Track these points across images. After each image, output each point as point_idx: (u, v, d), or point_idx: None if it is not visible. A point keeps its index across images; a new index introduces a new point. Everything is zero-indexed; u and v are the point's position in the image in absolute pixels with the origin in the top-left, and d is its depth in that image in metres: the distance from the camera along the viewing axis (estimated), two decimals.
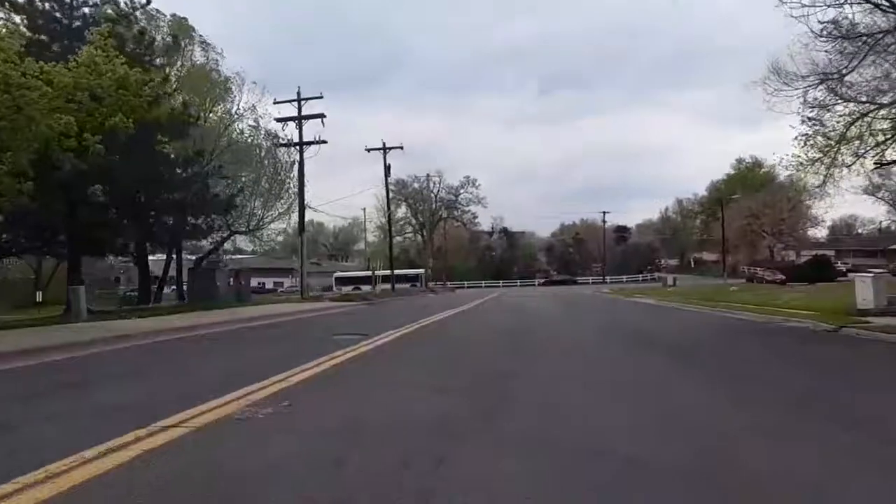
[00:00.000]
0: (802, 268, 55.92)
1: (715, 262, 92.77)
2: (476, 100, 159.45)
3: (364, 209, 35.75)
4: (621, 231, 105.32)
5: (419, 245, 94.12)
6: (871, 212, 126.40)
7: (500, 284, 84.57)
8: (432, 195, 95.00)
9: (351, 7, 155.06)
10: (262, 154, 28.44)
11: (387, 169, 40.79)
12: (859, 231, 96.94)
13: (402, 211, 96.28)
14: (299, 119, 27.73)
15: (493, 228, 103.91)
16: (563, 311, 21.91)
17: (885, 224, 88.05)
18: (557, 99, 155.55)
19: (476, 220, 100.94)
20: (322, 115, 27.50)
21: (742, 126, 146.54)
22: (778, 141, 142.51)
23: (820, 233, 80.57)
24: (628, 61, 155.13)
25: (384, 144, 40.95)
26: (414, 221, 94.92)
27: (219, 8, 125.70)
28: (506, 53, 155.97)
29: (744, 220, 57.70)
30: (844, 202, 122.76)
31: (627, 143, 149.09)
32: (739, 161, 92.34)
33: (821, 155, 17.70)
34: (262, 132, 28.27)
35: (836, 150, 17.37)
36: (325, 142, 28.18)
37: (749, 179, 79.48)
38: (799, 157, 18.40)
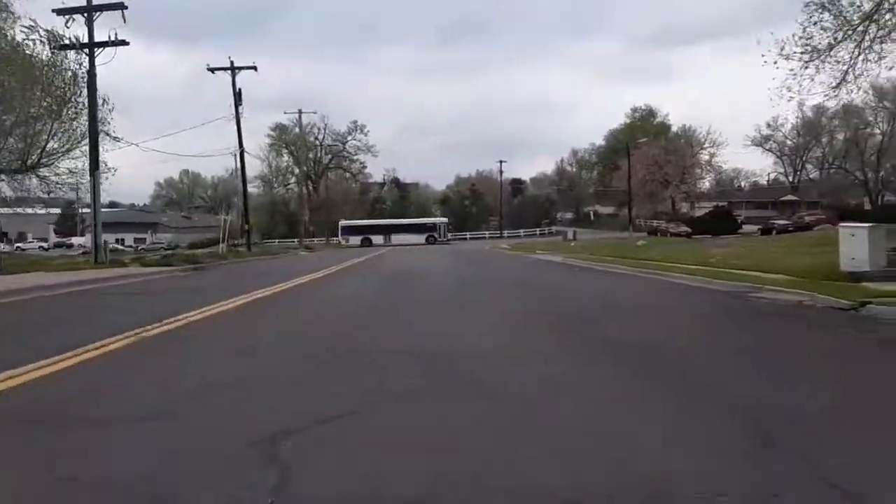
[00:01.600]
0: (704, 220, 53.96)
1: (612, 216, 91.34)
2: (374, 49, 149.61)
3: (237, 153, 28.31)
4: (517, 183, 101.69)
5: (304, 197, 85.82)
6: (756, 164, 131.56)
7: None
8: (316, 142, 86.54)
9: None
10: (43, 62, 20.09)
11: (237, 96, 32.99)
12: (741, 184, 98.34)
13: (284, 160, 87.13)
14: (89, 10, 19.75)
15: (384, 180, 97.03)
16: (465, 281, 16.25)
17: (772, 176, 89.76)
18: (456, 49, 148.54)
19: (366, 171, 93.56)
20: (122, 6, 19.71)
21: (632, 81, 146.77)
22: (669, 93, 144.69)
23: (705, 185, 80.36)
24: (525, 11, 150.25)
25: (232, 63, 33.03)
26: (297, 171, 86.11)
27: None
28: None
29: (646, 168, 54.60)
30: (735, 153, 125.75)
31: (522, 95, 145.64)
32: (634, 110, 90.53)
33: (830, 45, 13.03)
34: (41, 33, 19.96)
35: (862, 27, 12.74)
36: (124, 42, 20.45)
37: (644, 130, 77.48)
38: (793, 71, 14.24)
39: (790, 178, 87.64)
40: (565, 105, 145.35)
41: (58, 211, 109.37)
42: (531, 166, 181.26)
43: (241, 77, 34.22)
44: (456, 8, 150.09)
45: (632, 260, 23.68)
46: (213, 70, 33.17)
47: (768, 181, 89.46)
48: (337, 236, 72.54)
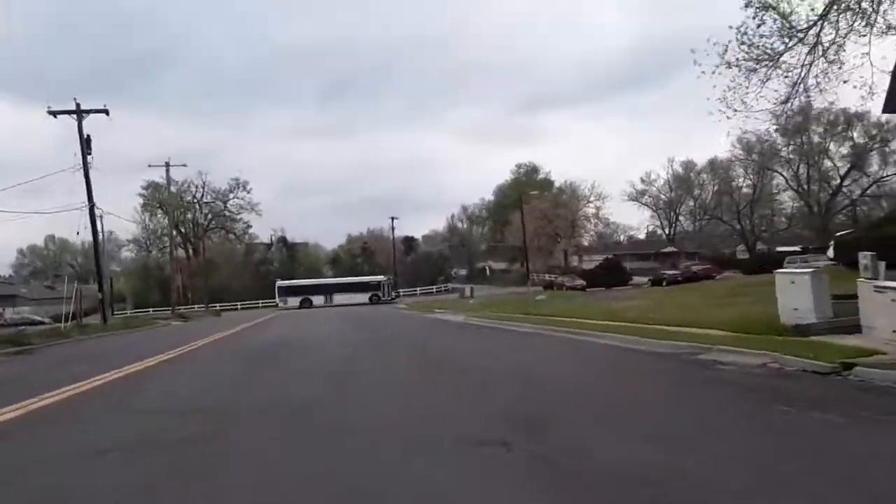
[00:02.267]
0: (596, 273, 54.37)
1: (504, 271, 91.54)
2: (253, 111, 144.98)
3: (87, 209, 23.79)
4: (409, 241, 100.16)
5: (181, 261, 79.24)
6: (633, 218, 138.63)
7: (279, 305, 73.61)
8: (194, 201, 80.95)
9: None
10: None
11: (84, 143, 28.24)
12: (620, 238, 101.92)
13: (158, 220, 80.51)
14: None
15: (271, 240, 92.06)
16: (352, 359, 13.41)
17: (650, 228, 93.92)
18: (338, 109, 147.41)
19: (251, 231, 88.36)
20: None
21: (512, 143, 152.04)
22: (544, 153, 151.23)
23: (586, 240, 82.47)
24: (407, 75, 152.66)
25: (78, 105, 27.97)
26: (175, 233, 79.69)
27: None
28: (285, 59, 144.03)
29: (536, 222, 54.57)
30: (613, 207, 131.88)
31: (405, 155, 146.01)
32: (519, 166, 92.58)
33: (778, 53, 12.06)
34: None
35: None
36: None
37: (530, 185, 79.00)
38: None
39: (666, 231, 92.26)
40: (449, 164, 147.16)
41: None
42: (421, 224, 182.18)
43: (117, 141, 30.00)
44: (332, 71, 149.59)
45: (536, 316, 22.01)
46: (55, 114, 28.49)
47: (647, 234, 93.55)
48: (215, 304, 66.98)
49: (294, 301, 63.49)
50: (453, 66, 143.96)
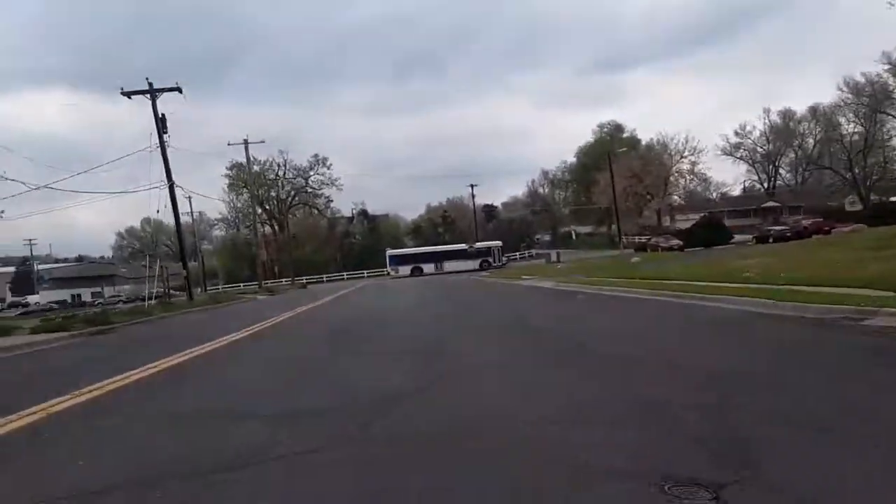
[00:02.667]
0: (693, 231, 50.63)
1: (589, 235, 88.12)
2: (332, 89, 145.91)
3: (166, 188, 24.11)
4: (489, 209, 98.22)
5: (267, 237, 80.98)
6: (726, 175, 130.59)
7: (365, 275, 73.89)
8: (277, 179, 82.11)
9: None
10: None
11: (160, 122, 27.90)
12: (712, 195, 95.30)
13: (244, 199, 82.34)
14: None
15: (352, 213, 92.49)
16: (442, 335, 11.71)
17: (747, 184, 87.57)
18: (412, 83, 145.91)
19: (332, 205, 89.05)
20: None
21: (590, 105, 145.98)
22: (634, 115, 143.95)
23: (677, 199, 77.36)
24: (479, 42, 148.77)
25: (151, 85, 27.90)
26: (260, 210, 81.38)
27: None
28: (359, 38, 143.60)
29: (626, 181, 51.16)
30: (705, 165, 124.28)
31: (481, 124, 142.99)
32: (601, 126, 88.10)
33: None
34: None
35: None
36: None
37: (615, 144, 74.82)
38: None
39: (765, 185, 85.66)
40: (526, 130, 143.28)
41: (11, 269, 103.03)
42: (499, 192, 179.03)
43: (204, 128, 29.67)
44: (405, 46, 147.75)
45: (640, 280, 19.70)
46: (128, 94, 28.28)
47: (744, 189, 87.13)
48: (301, 277, 67.87)
49: (405, 269, 62.88)
50: (526, 31, 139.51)
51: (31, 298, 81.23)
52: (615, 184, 52.23)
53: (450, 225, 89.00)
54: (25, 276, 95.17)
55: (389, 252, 67.93)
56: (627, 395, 4.87)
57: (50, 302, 69.55)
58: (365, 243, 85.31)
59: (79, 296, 78.12)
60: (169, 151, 28.93)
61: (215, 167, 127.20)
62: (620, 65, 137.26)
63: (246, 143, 49.07)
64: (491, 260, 63.09)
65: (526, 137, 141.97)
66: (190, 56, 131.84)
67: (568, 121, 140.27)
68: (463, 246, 67.64)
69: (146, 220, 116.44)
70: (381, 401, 5.23)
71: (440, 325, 11.95)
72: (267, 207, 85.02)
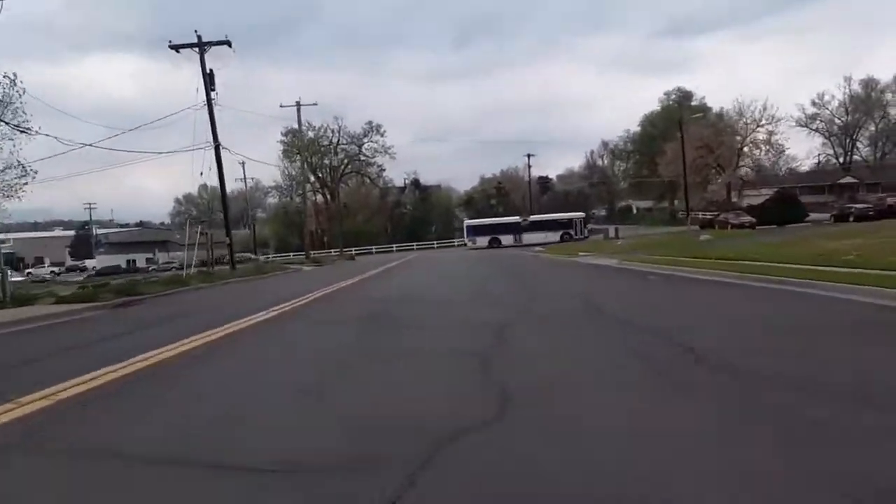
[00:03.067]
0: (766, 207, 47.06)
1: (648, 210, 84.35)
2: (391, 55, 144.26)
3: (213, 148, 23.07)
4: (544, 180, 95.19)
5: (318, 205, 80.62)
6: (796, 147, 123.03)
7: (415, 247, 72.69)
8: (330, 146, 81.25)
9: None
10: None
11: (207, 78, 26.70)
12: (782, 170, 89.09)
13: (297, 166, 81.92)
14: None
15: (404, 183, 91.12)
16: (501, 322, 9.89)
17: (822, 158, 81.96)
18: (470, 51, 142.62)
19: (384, 175, 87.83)
20: None
21: (654, 73, 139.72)
22: (701, 83, 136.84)
23: (747, 172, 72.39)
24: (536, 10, 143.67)
25: (199, 38, 26.67)
26: (312, 178, 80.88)
27: None
28: (417, 4, 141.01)
29: (695, 151, 47.61)
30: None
31: (539, 93, 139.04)
32: (668, 94, 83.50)
33: None
34: None
35: None
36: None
37: (682, 113, 70.45)
38: None
39: (841, 160, 79.81)
40: (586, 100, 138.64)
41: (72, 233, 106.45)
42: (555, 164, 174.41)
43: (262, 94, 28.36)
44: (467, 10, 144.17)
45: (716, 261, 17.38)
46: (177, 48, 27.27)
47: (818, 163, 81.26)
48: (358, 245, 67.10)
49: (483, 240, 61.00)
50: None
51: (89, 263, 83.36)
52: (686, 153, 48.75)
53: (503, 197, 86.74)
54: (85, 240, 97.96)
55: (467, 222, 67.02)
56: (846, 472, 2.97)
57: (105, 267, 70.89)
58: (416, 214, 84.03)
59: (133, 261, 79.61)
60: (226, 116, 27.88)
61: (273, 136, 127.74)
62: (690, 30, 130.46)
63: (298, 105, 48.15)
64: (573, 232, 60.04)
65: (587, 106, 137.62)
66: (250, 22, 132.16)
67: (633, 89, 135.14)
68: (544, 217, 64.69)
69: (203, 187, 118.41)
70: (414, 444, 3.47)
71: (494, 312, 10.16)
72: (319, 175, 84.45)
